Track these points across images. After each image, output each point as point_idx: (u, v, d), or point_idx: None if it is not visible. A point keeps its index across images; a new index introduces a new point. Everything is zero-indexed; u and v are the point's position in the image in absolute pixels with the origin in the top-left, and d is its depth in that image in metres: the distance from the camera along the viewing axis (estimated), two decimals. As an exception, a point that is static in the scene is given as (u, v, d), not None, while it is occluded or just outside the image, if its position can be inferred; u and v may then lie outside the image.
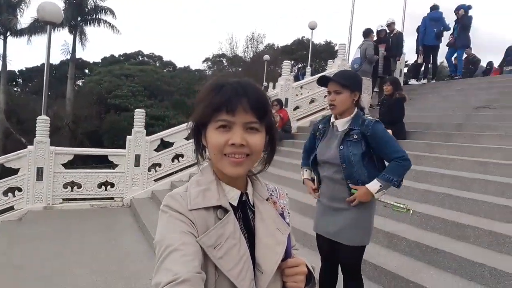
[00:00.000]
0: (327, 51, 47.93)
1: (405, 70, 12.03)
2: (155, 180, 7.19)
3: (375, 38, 8.50)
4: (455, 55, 9.90)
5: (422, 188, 3.96)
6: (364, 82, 7.70)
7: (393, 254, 3.22)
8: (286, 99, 8.68)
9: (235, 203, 0.93)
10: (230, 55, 38.32)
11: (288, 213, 1.03)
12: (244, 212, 0.94)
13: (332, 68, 10.01)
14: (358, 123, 2.21)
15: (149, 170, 7.12)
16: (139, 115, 7.13)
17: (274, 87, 21.99)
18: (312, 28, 16.11)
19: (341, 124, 2.28)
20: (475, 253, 2.87)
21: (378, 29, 8.81)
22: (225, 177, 0.93)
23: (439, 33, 9.30)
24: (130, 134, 7.00)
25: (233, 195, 0.93)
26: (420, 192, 3.94)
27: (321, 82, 2.35)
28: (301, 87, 9.36)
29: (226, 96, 0.86)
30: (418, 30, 9.98)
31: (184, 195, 0.89)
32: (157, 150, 7.27)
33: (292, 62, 48.71)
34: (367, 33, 8.15)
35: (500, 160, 4.19)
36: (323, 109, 9.47)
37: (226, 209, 0.89)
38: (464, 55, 10.26)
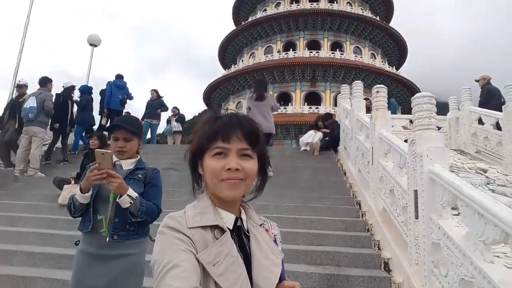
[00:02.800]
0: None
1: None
2: None
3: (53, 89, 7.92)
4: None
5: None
6: (39, 132, 6.97)
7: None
8: None
9: (230, 227, 0.96)
10: None
11: (280, 241, 1.08)
12: (239, 236, 0.97)
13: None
14: (142, 164, 2.35)
15: None
16: None
17: None
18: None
19: (126, 164, 2.30)
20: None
21: (68, 86, 8.54)
22: (220, 203, 0.97)
23: (123, 100, 10.06)
24: None
25: (228, 219, 0.97)
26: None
27: (108, 128, 2.41)
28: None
29: (222, 126, 0.94)
30: (101, 93, 10.43)
31: (182, 216, 0.93)
32: None
33: None
34: (44, 82, 7.48)
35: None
36: None
37: (223, 229, 0.92)
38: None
